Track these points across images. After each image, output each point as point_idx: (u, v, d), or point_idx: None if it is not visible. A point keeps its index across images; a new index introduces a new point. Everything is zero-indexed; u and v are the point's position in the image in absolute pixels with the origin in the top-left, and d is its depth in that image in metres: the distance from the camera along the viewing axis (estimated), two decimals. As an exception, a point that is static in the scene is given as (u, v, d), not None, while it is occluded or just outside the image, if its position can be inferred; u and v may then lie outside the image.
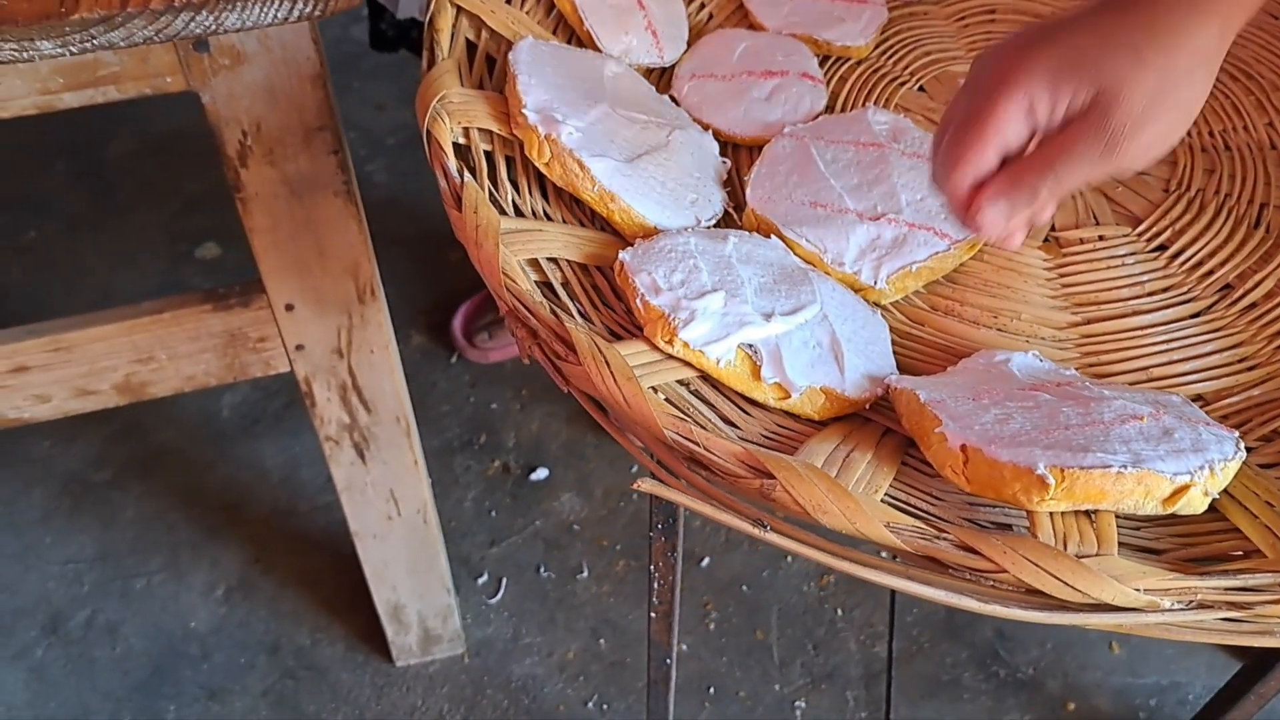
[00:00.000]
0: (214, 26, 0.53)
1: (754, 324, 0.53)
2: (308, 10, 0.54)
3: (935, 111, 0.73)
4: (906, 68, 0.77)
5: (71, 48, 0.53)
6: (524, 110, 0.59)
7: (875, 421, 0.54)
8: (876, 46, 0.77)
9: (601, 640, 1.29)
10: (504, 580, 1.34)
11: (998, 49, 0.48)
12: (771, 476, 0.45)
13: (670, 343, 0.52)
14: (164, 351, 0.85)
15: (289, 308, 0.85)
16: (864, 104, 0.73)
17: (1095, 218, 0.67)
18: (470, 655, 1.28)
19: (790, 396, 0.52)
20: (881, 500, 0.47)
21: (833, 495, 0.44)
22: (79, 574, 1.36)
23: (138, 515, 1.40)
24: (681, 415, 0.48)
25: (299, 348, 0.89)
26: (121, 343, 0.84)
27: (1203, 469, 0.45)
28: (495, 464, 1.44)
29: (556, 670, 1.27)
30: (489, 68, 0.67)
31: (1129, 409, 0.48)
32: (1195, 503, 0.45)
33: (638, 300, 0.53)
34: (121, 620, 1.32)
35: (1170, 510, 0.45)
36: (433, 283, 1.63)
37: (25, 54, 0.52)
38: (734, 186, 0.68)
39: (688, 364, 0.52)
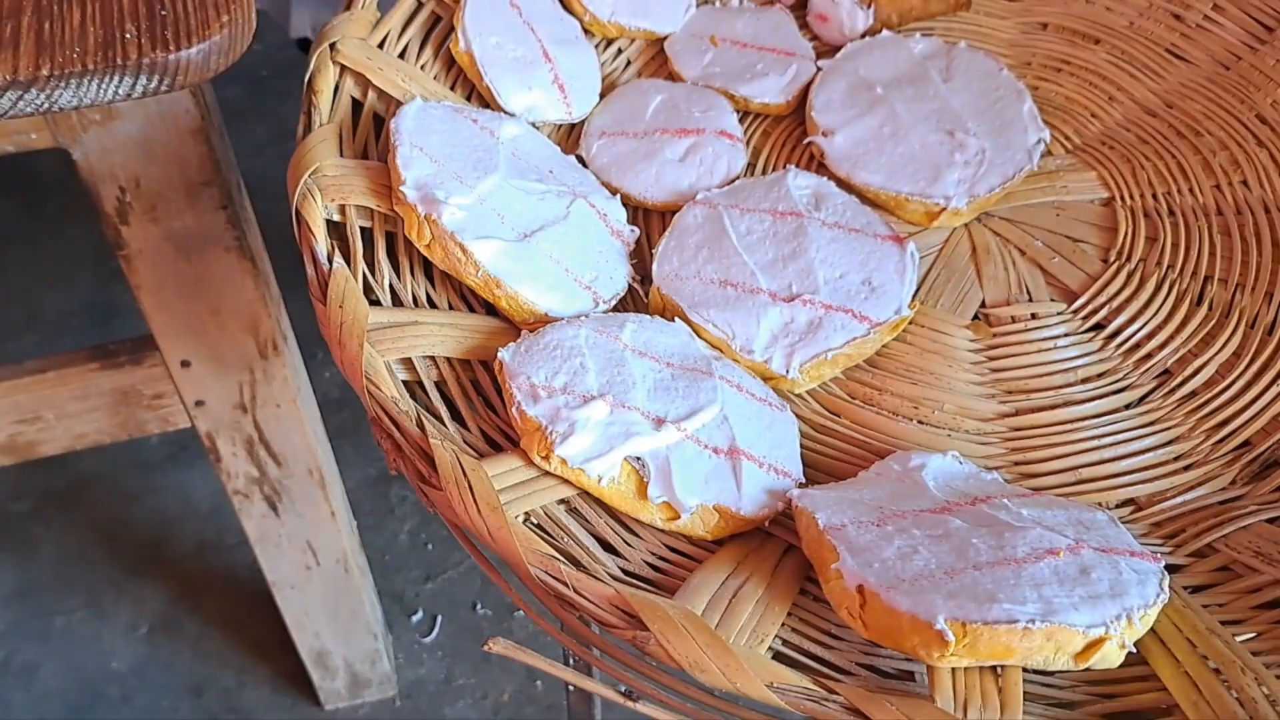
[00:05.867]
0: (45, 104, 0.47)
1: (641, 434, 0.48)
2: (152, 86, 0.48)
3: (864, 170, 0.69)
4: (835, 120, 0.72)
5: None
6: (403, 188, 0.54)
7: (777, 537, 0.50)
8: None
9: (538, 682, 1.24)
10: (438, 618, 1.29)
11: None
12: (645, 627, 0.40)
13: (547, 459, 0.47)
14: (50, 411, 0.80)
15: (185, 364, 0.80)
16: (786, 164, 0.69)
17: (1028, 292, 0.62)
18: (401, 698, 1.23)
19: (680, 517, 0.47)
20: (769, 649, 0.43)
21: (711, 650, 0.40)
22: (-4, 612, 1.30)
23: (58, 550, 1.35)
24: (553, 550, 0.43)
25: (199, 404, 0.83)
26: (3, 404, 0.78)
27: (1119, 619, 0.41)
28: (433, 495, 1.39)
29: (490, 714, 1.22)
30: (377, 130, 0.62)
31: (1045, 541, 0.44)
32: (1111, 657, 0.41)
33: (514, 409, 0.48)
34: (40, 661, 1.26)
35: (1084, 665, 0.41)
36: (373, 301, 1.57)
37: None
38: (642, 258, 0.63)
39: (567, 481, 0.48)
